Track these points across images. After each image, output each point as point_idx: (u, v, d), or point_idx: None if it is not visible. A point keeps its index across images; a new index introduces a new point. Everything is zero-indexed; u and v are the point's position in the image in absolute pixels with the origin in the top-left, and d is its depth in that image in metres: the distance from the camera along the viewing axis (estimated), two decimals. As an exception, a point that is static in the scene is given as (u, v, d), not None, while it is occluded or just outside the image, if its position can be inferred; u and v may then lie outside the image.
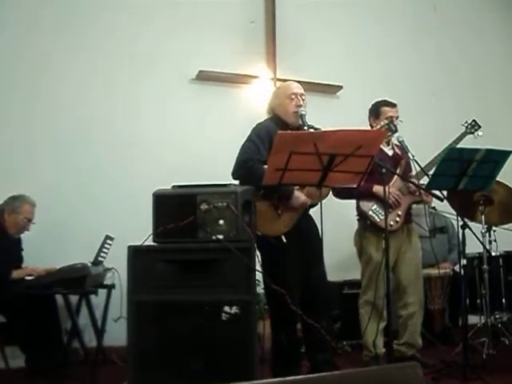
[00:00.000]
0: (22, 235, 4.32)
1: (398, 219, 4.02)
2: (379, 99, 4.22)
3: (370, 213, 4.00)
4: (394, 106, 4.17)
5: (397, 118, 4.09)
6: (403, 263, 4.08)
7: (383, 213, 3.88)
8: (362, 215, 4.07)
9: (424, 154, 3.90)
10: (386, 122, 3.83)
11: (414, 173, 3.97)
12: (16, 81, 4.78)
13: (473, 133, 4.07)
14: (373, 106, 4.23)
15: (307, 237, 3.55)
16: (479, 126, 4.08)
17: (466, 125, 4.09)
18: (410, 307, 4.07)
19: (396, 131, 3.82)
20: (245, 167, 3.48)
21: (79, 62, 4.93)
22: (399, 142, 3.86)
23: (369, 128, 4.13)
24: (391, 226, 3.90)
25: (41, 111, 4.82)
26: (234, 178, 3.51)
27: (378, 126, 3.85)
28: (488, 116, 4.58)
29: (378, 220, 3.96)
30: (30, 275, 3.98)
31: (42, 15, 4.87)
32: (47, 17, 4.89)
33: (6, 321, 4.07)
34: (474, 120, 4.10)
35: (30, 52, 4.81)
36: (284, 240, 3.42)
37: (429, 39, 6.11)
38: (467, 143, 3.95)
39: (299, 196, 3.49)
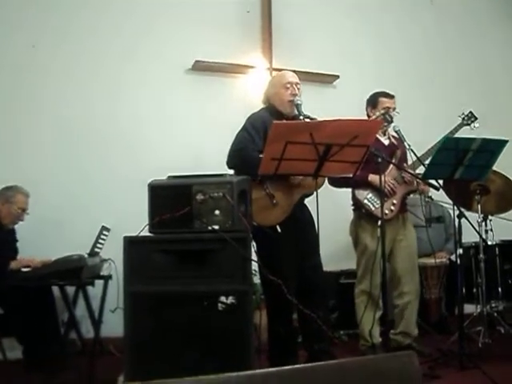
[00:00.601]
0: (20, 226, 4.31)
1: (392, 208, 4.02)
2: (378, 90, 4.22)
3: (365, 201, 4.00)
4: (391, 97, 4.17)
5: (394, 109, 4.09)
6: (399, 252, 4.09)
7: (378, 201, 3.89)
8: (358, 204, 4.07)
9: (420, 145, 3.89)
10: (382, 111, 3.82)
11: (410, 162, 3.97)
12: (22, 71, 4.78)
13: (469, 124, 4.06)
14: (371, 96, 4.24)
15: (302, 227, 3.55)
16: (475, 118, 4.06)
17: (463, 116, 4.07)
18: (405, 296, 4.09)
19: (392, 121, 3.83)
20: (239, 156, 3.47)
21: (82, 55, 4.93)
22: (395, 132, 3.86)
23: (365, 118, 4.13)
24: (386, 214, 3.90)
25: (42, 100, 4.81)
26: (229, 168, 3.51)
27: (374, 116, 3.84)
28: (484, 106, 4.55)
29: (373, 209, 3.97)
30: (26, 267, 3.97)
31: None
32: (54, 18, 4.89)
33: (2, 312, 4.07)
34: (470, 112, 4.08)
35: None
36: (279, 230, 3.41)
37: (426, 30, 6.07)
38: (463, 134, 3.93)
39: None
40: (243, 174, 3.19)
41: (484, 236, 4.35)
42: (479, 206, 4.31)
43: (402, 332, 4.09)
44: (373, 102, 4.19)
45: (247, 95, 5.15)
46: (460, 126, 4.05)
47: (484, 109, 4.17)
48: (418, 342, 4.14)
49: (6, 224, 4.24)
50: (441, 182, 3.74)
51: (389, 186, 3.97)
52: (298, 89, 3.66)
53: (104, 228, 4.11)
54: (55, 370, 3.75)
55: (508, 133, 3.94)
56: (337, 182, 4.02)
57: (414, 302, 4.12)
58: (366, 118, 4.15)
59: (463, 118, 4.07)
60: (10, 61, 4.78)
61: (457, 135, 3.97)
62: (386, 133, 4.19)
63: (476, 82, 6.06)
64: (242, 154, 3.45)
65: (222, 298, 2.70)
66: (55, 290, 4.19)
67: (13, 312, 3.96)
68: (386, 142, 4.17)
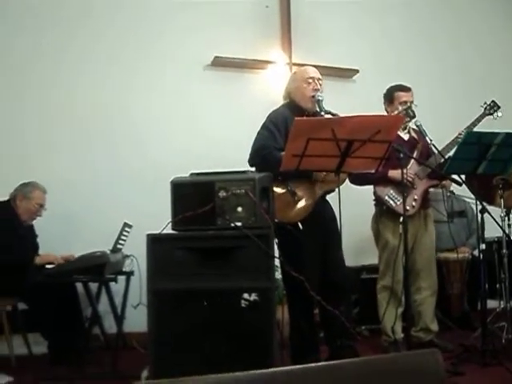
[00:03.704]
0: (42, 223, 4.37)
1: (414, 204, 3.98)
2: (393, 84, 4.16)
3: (387, 198, 3.97)
4: (408, 90, 4.10)
5: (411, 102, 4.01)
6: (419, 248, 4.07)
7: (399, 198, 3.87)
8: (379, 200, 4.05)
9: (442, 137, 3.85)
10: (404, 107, 3.78)
11: (432, 158, 3.91)
12: (33, 70, 4.82)
13: (492, 114, 3.93)
14: (387, 90, 4.17)
15: (324, 222, 3.54)
16: (498, 107, 3.94)
17: (485, 106, 3.95)
18: (423, 292, 4.07)
19: (414, 116, 3.73)
20: (260, 155, 3.47)
21: (96, 54, 4.97)
22: (417, 127, 3.78)
23: (385, 113, 4.10)
24: (408, 210, 3.85)
25: (57, 97, 4.84)
26: (251, 165, 3.51)
27: (396, 112, 3.81)
28: (505, 98, 4.47)
29: (394, 205, 3.94)
30: (50, 263, 4.03)
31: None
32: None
33: (28, 308, 4.13)
34: (493, 101, 3.96)
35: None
36: (300, 227, 3.41)
37: (442, 23, 6.02)
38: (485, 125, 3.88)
39: None
40: (265, 172, 3.19)
41: (507, 231, 4.30)
42: (502, 201, 4.25)
43: (423, 329, 4.08)
44: (389, 96, 4.13)
45: (267, 90, 5.15)
46: (482, 116, 3.94)
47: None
48: (441, 337, 4.12)
49: (25, 220, 4.29)
50: (463, 176, 3.70)
51: (409, 177, 3.91)
52: (320, 84, 3.63)
53: (126, 224, 4.14)
54: (79, 364, 3.80)
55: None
56: (357, 180, 3.98)
57: (432, 298, 4.11)
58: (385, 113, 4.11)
59: (485, 108, 3.95)
60: (17, 59, 4.82)
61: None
62: (407, 128, 4.13)
63: (501, 75, 5.99)
64: (264, 153, 3.45)
65: (245, 295, 2.71)
66: (79, 286, 4.25)
67: (37, 308, 4.03)
68: (406, 137, 4.12)
